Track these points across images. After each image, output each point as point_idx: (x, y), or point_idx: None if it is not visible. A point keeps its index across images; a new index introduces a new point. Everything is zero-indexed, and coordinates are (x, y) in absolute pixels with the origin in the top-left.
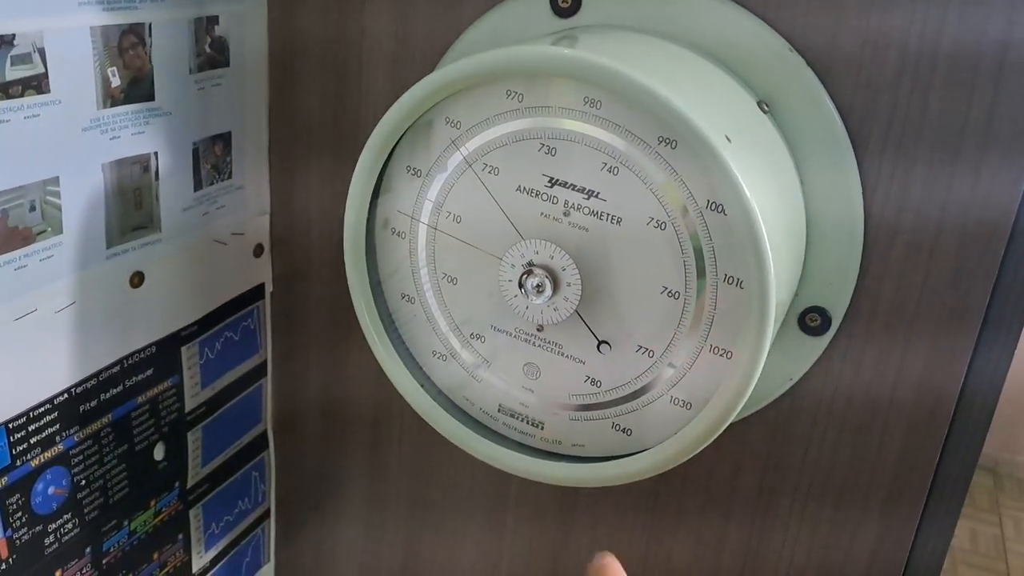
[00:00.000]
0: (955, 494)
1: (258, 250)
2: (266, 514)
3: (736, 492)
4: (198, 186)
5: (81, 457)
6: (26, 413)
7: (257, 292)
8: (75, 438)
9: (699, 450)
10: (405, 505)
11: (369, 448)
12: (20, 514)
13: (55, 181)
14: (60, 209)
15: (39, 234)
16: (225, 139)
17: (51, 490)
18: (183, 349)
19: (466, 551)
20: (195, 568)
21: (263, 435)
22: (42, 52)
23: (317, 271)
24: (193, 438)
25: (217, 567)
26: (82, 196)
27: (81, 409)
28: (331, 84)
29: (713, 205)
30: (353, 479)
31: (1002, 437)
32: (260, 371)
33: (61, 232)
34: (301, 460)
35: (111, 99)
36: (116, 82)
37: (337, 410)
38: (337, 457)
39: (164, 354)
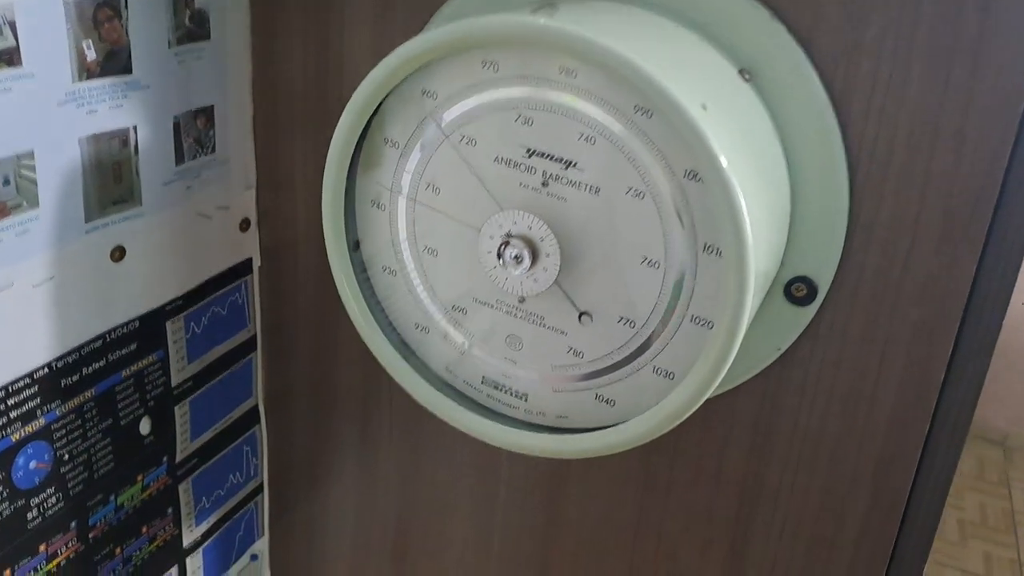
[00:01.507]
0: (946, 462)
1: (245, 224)
2: (259, 488)
3: (726, 463)
4: (180, 160)
5: (64, 431)
6: (4, 387)
7: (245, 266)
8: (57, 412)
9: (681, 420)
10: (397, 478)
11: (360, 422)
12: (1, 489)
13: (30, 155)
14: (36, 183)
15: (14, 208)
16: (208, 112)
17: (32, 464)
18: (168, 323)
19: (458, 524)
20: (186, 542)
21: (254, 409)
22: (12, 25)
23: (305, 244)
24: (180, 412)
25: (209, 541)
26: (58, 170)
27: (63, 383)
28: (313, 56)
29: (691, 174)
30: (345, 453)
31: (1012, 410)
32: (250, 345)
33: (37, 206)
34: (293, 434)
35: (87, 72)
36: (92, 55)
37: (328, 384)
38: (329, 431)
39: (148, 328)
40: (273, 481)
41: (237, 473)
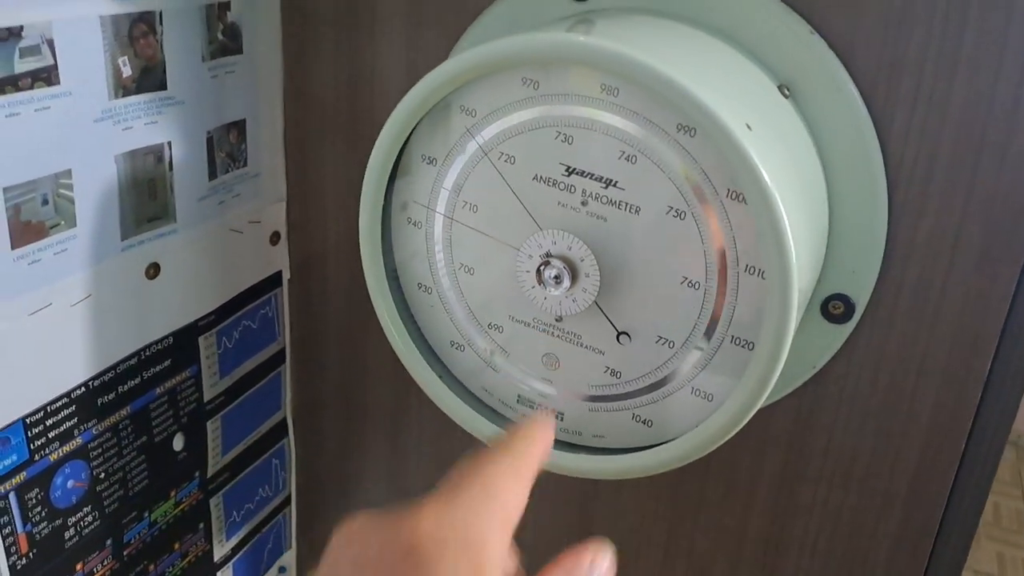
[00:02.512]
0: (981, 482)
1: (275, 238)
2: (287, 501)
3: (758, 480)
4: (213, 175)
5: (100, 450)
6: (44, 408)
7: (275, 280)
8: (93, 431)
9: (721, 443)
10: (425, 492)
11: (389, 435)
12: (39, 508)
13: (67, 174)
14: (73, 202)
15: (52, 228)
16: (240, 127)
17: (70, 483)
18: (201, 339)
19: None
20: (216, 556)
21: (283, 423)
22: (51, 43)
23: (335, 257)
24: (212, 427)
25: (239, 555)
26: (95, 188)
27: (99, 402)
28: (344, 69)
29: (734, 194)
30: (373, 466)
31: None
32: (279, 359)
33: (75, 225)
34: (321, 447)
35: (123, 89)
36: (127, 72)
37: (357, 396)
38: (357, 444)
39: (182, 344)
40: (301, 494)
41: (266, 486)
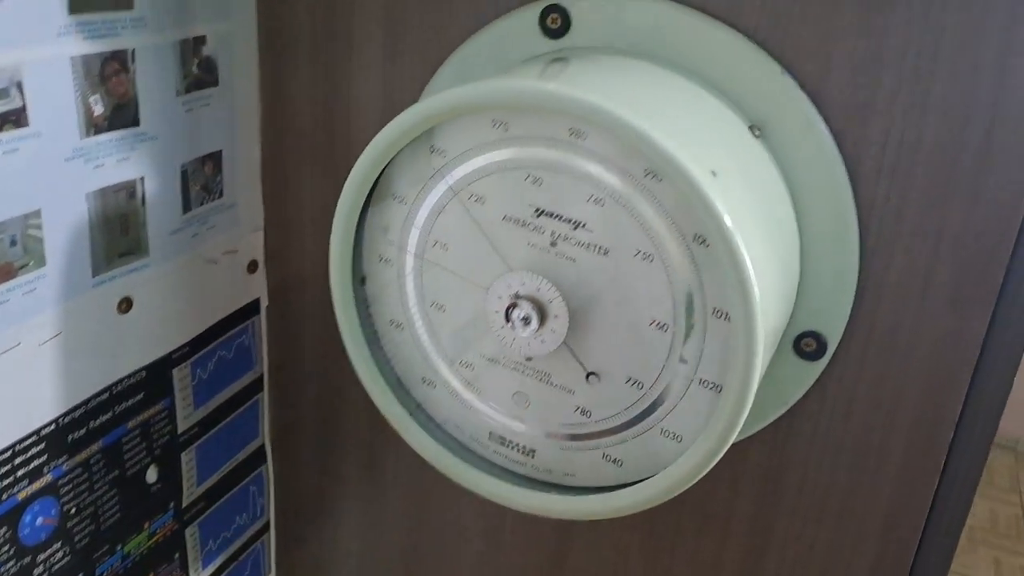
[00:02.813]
0: (954, 519)
1: (252, 266)
2: (265, 527)
3: (733, 514)
4: (187, 208)
5: (70, 486)
6: (11, 447)
7: (252, 307)
8: (63, 467)
9: (690, 485)
10: (403, 519)
11: (367, 462)
12: (7, 547)
13: (36, 214)
14: (42, 242)
15: (21, 268)
16: (215, 158)
17: (39, 520)
18: (174, 371)
19: (463, 567)
20: None
21: (260, 449)
22: (20, 86)
23: (313, 284)
24: (187, 459)
25: None
26: (65, 227)
27: (69, 438)
28: (322, 99)
29: (699, 239)
30: (351, 493)
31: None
32: (256, 386)
33: (44, 264)
34: (299, 473)
35: (94, 127)
36: (99, 110)
37: (335, 423)
38: (335, 470)
39: (155, 378)
40: (279, 520)
41: (244, 514)
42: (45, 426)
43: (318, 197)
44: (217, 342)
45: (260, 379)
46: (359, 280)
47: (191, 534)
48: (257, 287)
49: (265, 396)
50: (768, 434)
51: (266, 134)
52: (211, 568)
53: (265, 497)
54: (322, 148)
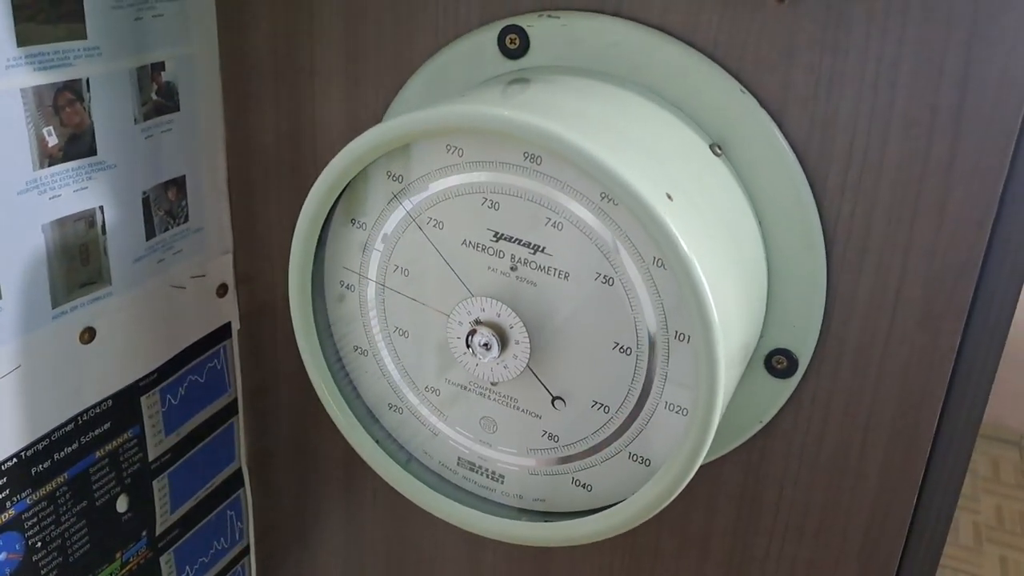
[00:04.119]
0: (935, 535)
1: (222, 290)
2: (245, 551)
3: (712, 533)
4: (151, 234)
5: (35, 519)
6: None
7: (223, 331)
8: (27, 501)
9: (660, 509)
10: (383, 540)
11: (344, 483)
12: None
13: None
14: None
15: None
16: (179, 183)
17: (3, 555)
18: (143, 399)
19: None
20: None
21: (237, 473)
22: None
23: (284, 306)
24: (159, 486)
25: None
26: (21, 259)
27: (33, 471)
28: (286, 121)
29: (658, 261)
30: (331, 515)
31: None
32: (231, 410)
33: (0, 297)
34: (279, 496)
35: (48, 159)
36: (53, 140)
37: (312, 445)
38: (314, 492)
39: (122, 406)
40: (259, 544)
41: (222, 539)
42: (5, 460)
43: (286, 219)
44: (187, 367)
45: (234, 402)
46: (322, 308)
47: (166, 561)
48: (228, 310)
49: (240, 420)
50: (743, 453)
51: (231, 157)
52: None
53: (244, 521)
54: (287, 170)
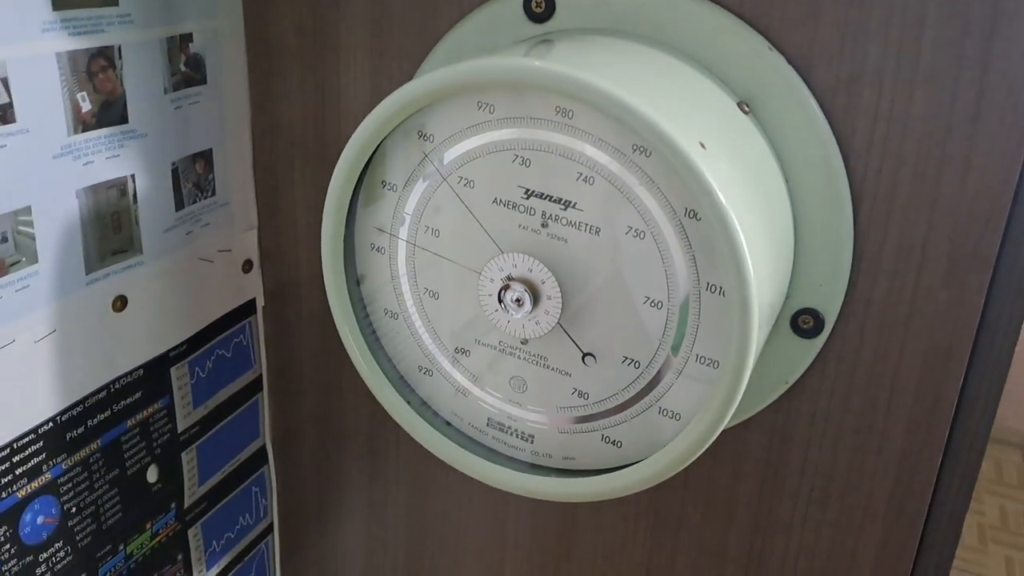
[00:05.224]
0: (960, 495)
1: (247, 265)
2: (269, 528)
3: (737, 498)
4: (180, 205)
5: (70, 484)
6: (9, 445)
7: (248, 307)
8: (63, 466)
9: (689, 462)
10: (406, 516)
11: (368, 459)
12: (8, 546)
13: (27, 211)
14: (34, 239)
15: (12, 265)
16: (207, 156)
17: (40, 519)
18: (172, 370)
19: (468, 562)
20: None
21: (262, 450)
22: (5, 82)
23: (308, 283)
24: (188, 458)
25: None
26: (56, 224)
27: (68, 437)
28: (311, 96)
29: (691, 213)
30: (354, 491)
31: None
32: (256, 386)
33: (36, 261)
34: (302, 473)
35: (82, 124)
36: (87, 107)
37: (336, 422)
38: (338, 469)
39: (152, 376)
40: (283, 521)
41: (247, 515)
42: (43, 424)
43: (311, 196)
44: (215, 341)
45: (259, 379)
46: (355, 281)
47: (194, 535)
48: (253, 287)
49: (265, 397)
50: (768, 416)
51: (257, 133)
52: (215, 569)
53: (268, 498)
54: (313, 147)
